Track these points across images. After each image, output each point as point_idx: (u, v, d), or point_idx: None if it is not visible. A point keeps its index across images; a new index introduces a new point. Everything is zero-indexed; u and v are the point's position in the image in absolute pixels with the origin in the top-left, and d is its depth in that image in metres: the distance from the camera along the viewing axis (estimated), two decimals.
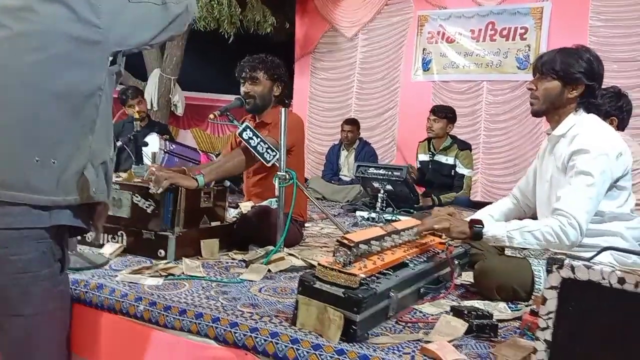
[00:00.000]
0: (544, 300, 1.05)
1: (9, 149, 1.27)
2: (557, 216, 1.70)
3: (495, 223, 1.81)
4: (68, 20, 1.31)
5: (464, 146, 4.32)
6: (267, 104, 2.57)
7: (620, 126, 2.78)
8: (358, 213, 3.52)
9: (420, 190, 4.08)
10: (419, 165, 4.48)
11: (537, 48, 5.48)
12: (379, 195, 3.41)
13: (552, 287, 1.04)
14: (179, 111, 7.02)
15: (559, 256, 1.05)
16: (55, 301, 1.40)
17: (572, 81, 1.81)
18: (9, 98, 1.27)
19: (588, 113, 1.84)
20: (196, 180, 2.13)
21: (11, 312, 1.31)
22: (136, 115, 4.18)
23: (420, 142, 4.56)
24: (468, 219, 1.85)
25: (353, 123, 5.38)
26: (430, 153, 4.37)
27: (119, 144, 2.71)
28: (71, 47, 1.31)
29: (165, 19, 1.50)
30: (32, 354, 1.35)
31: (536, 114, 1.92)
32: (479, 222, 1.76)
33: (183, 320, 1.45)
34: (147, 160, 2.88)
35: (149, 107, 5.52)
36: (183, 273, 1.85)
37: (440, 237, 1.95)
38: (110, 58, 1.39)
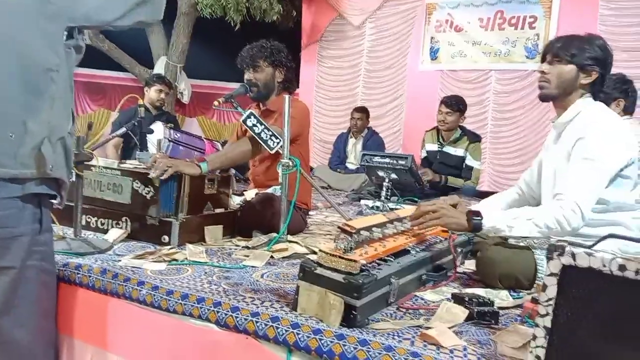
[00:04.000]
0: (544, 287, 1.04)
1: None
2: (558, 201, 1.67)
3: (493, 213, 1.76)
4: None
5: (475, 138, 4.29)
6: (271, 90, 2.56)
7: (627, 110, 2.86)
8: (363, 202, 3.52)
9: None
10: (425, 155, 4.45)
11: (546, 37, 5.43)
12: (384, 184, 3.40)
13: (552, 274, 1.03)
14: (185, 99, 7.03)
15: (560, 243, 1.05)
16: (35, 259, 1.43)
17: (586, 67, 1.78)
18: None
19: (595, 100, 1.83)
20: (199, 167, 2.13)
21: None
22: (154, 99, 4.16)
23: (427, 131, 4.53)
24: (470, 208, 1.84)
25: (363, 111, 5.37)
26: (438, 143, 4.33)
27: (123, 130, 2.71)
28: (23, 23, 1.34)
29: (130, 1, 1.50)
30: (15, 308, 1.40)
31: (545, 97, 1.87)
32: (478, 213, 1.71)
33: (185, 304, 1.46)
34: (152, 148, 2.89)
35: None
36: (186, 258, 1.86)
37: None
38: (66, 33, 1.41)
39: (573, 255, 1.01)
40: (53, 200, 1.50)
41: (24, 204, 1.39)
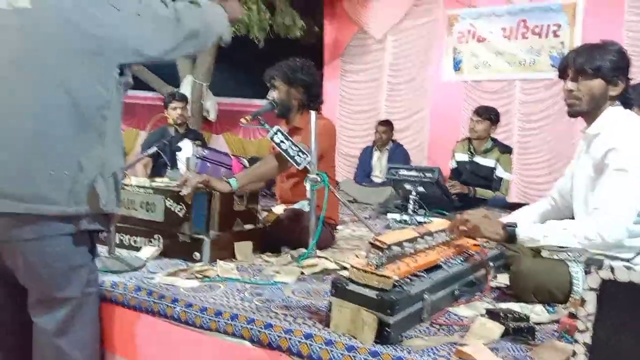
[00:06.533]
0: (583, 302, 1.03)
1: (22, 164, 1.33)
2: (598, 215, 1.65)
3: (530, 224, 1.76)
4: (67, 34, 1.34)
5: (506, 149, 4.27)
6: (289, 108, 2.58)
7: None
8: (390, 215, 3.50)
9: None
10: (455, 165, 4.43)
11: (571, 45, 5.35)
12: (411, 197, 3.38)
13: (591, 289, 1.02)
14: (212, 117, 7.12)
15: (597, 257, 1.03)
16: (91, 286, 1.50)
17: (613, 79, 1.76)
18: (20, 117, 1.34)
19: (625, 109, 1.80)
20: (229, 184, 2.16)
21: (56, 294, 1.42)
22: (174, 117, 4.24)
23: (458, 141, 4.52)
24: (503, 220, 1.82)
25: (387, 124, 5.38)
26: (469, 153, 4.32)
27: (154, 149, 2.77)
28: (71, 60, 1.35)
29: (178, 34, 1.50)
30: (75, 332, 1.46)
31: (576, 114, 1.85)
32: (513, 223, 1.72)
33: (219, 321, 1.48)
34: (181, 166, 2.94)
35: None
36: (218, 275, 1.88)
37: (474, 238, 1.92)
38: (118, 70, 1.42)
39: (612, 270, 0.99)
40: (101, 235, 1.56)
41: (79, 238, 1.42)
